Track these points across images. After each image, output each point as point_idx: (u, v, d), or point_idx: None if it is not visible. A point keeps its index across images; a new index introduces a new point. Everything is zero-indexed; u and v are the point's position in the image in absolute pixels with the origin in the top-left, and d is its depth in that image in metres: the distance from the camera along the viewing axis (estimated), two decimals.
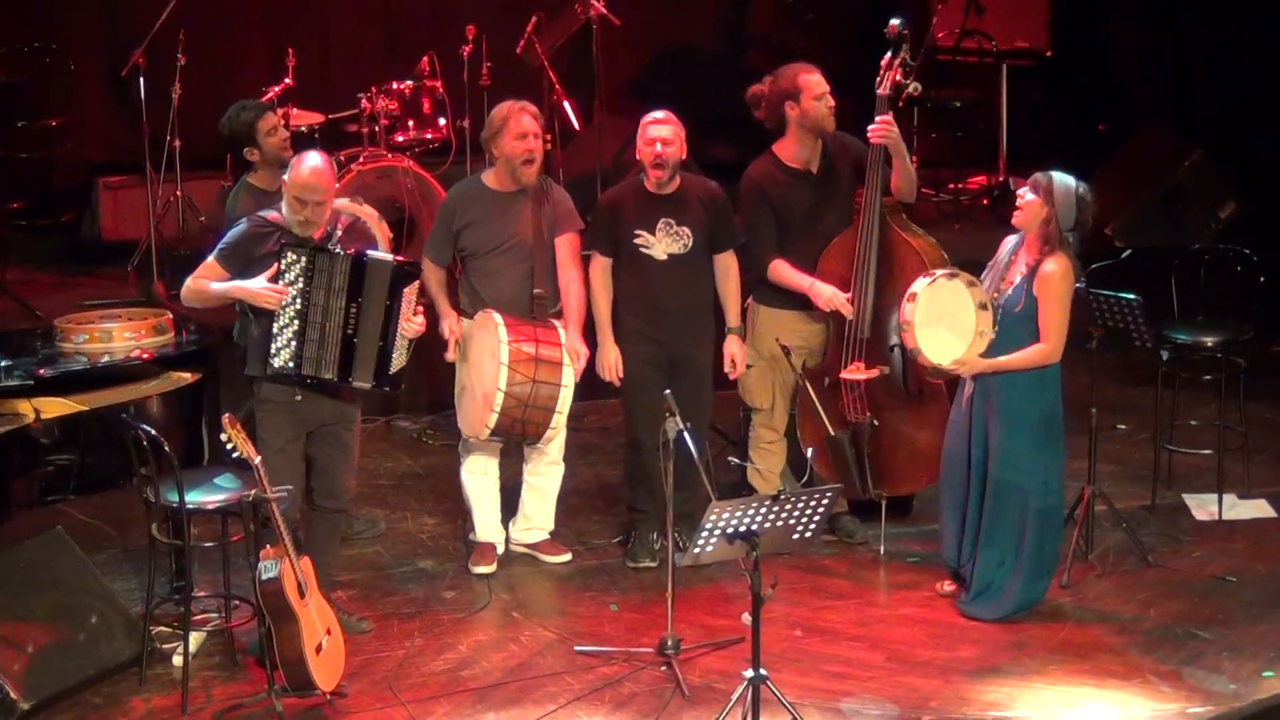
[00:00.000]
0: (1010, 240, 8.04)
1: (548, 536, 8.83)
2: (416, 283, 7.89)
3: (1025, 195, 7.86)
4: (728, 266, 8.65)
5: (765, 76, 8.76)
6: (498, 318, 8.25)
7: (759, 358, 8.82)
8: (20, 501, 8.29)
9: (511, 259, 8.41)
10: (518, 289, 8.41)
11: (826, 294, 8.52)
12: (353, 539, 8.90)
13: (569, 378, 8.31)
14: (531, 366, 8.20)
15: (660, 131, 8.40)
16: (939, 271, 7.98)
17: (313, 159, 7.64)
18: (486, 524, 8.74)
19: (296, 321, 7.58)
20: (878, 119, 8.50)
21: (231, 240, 7.70)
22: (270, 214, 7.70)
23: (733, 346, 8.69)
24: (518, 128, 8.33)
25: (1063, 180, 7.81)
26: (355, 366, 7.67)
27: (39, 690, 7.33)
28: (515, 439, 8.50)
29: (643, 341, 8.56)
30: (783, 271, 8.62)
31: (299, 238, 7.61)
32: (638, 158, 8.53)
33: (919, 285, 7.93)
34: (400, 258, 7.90)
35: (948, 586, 8.29)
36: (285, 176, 7.64)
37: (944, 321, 7.92)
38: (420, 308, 7.94)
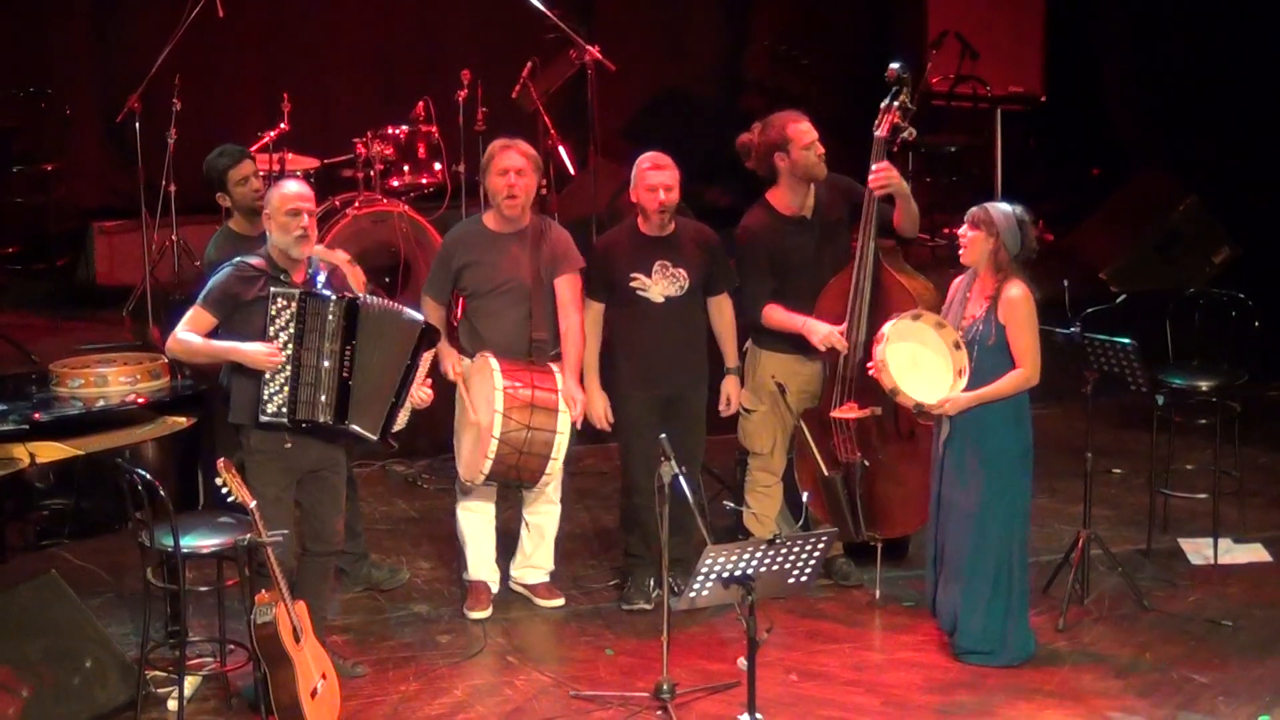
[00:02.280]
0: (961, 281, 8.07)
1: (546, 579, 8.81)
2: (433, 351, 7.88)
3: (967, 233, 7.90)
4: (722, 308, 8.67)
5: (754, 124, 8.76)
6: (494, 362, 8.24)
7: (760, 403, 8.82)
8: (15, 546, 8.27)
9: (510, 300, 8.41)
10: (517, 331, 8.41)
11: (822, 331, 8.48)
12: (375, 585, 8.90)
13: (565, 424, 8.29)
14: (526, 413, 8.18)
15: (662, 178, 8.40)
16: (903, 315, 8.00)
17: (288, 180, 7.70)
18: (481, 562, 8.71)
19: (288, 367, 7.49)
20: (875, 167, 8.47)
21: (217, 285, 7.60)
22: (254, 259, 7.62)
23: (730, 386, 8.71)
24: (501, 163, 8.33)
25: (999, 208, 7.87)
26: (353, 411, 7.58)
27: None
28: (511, 484, 8.48)
29: (639, 385, 8.54)
30: (776, 315, 8.60)
31: (286, 284, 7.57)
32: (635, 201, 8.54)
33: (887, 326, 7.96)
34: (425, 320, 7.87)
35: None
36: (267, 210, 7.58)
37: (919, 363, 7.94)
38: (429, 380, 7.91)
